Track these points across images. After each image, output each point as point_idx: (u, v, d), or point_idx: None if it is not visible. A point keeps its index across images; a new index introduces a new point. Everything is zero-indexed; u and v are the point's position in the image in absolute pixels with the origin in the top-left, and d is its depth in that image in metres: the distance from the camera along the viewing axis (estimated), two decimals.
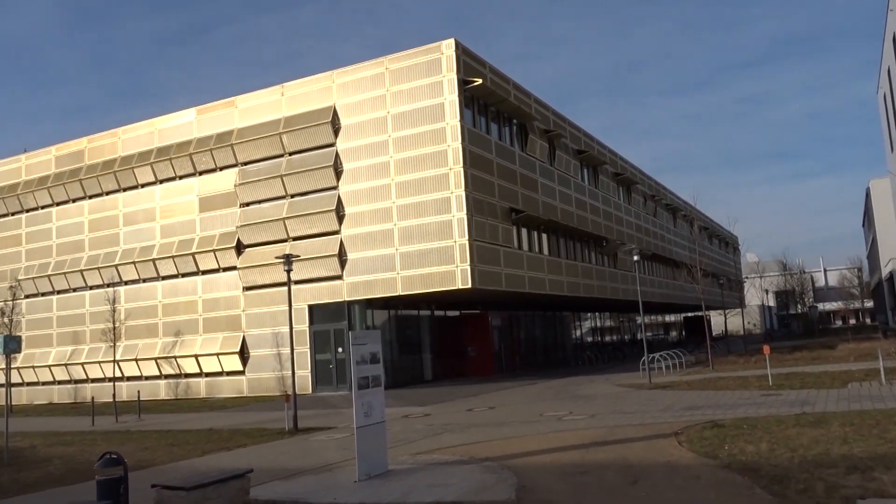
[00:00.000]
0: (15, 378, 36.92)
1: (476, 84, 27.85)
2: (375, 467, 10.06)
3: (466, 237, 26.44)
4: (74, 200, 36.50)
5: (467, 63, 28.38)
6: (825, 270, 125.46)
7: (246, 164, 31.42)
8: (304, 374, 29.26)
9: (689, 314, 73.50)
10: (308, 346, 29.36)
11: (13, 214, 38.72)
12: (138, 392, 25.49)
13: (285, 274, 30.63)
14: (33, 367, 36.44)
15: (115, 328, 28.89)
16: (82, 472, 13.06)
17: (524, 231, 32.16)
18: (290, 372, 18.64)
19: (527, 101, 33.29)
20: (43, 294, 37.13)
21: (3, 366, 15.16)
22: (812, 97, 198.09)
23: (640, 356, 44.69)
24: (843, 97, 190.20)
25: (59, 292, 36.55)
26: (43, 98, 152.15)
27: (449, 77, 27.38)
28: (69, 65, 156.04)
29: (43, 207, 37.62)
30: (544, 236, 34.27)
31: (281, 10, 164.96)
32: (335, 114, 29.48)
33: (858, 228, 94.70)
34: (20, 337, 15.07)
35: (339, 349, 28.72)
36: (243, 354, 30.87)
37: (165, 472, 12.41)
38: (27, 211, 38.17)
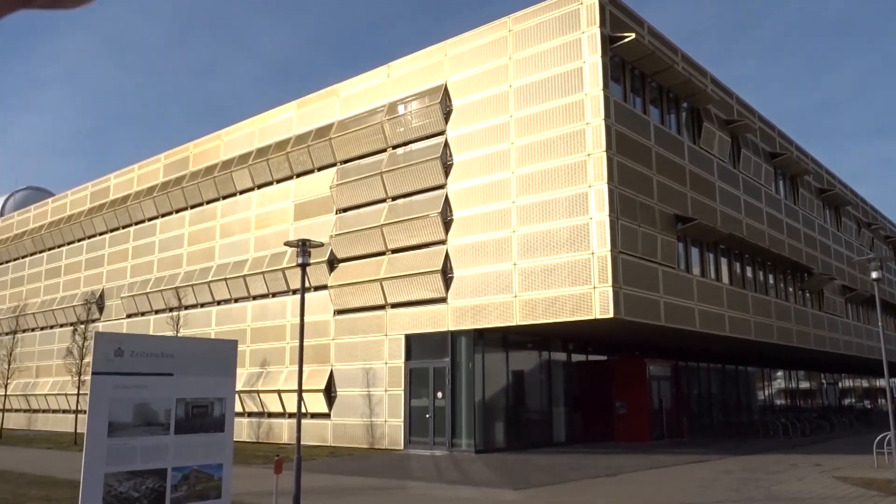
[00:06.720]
0: None
1: (627, 40, 20.56)
2: None
3: (608, 247, 18.95)
4: (178, 211, 33.03)
5: (615, 16, 21.21)
6: None
7: (345, 162, 26.05)
8: (396, 423, 22.81)
9: None
10: (403, 387, 22.90)
11: (124, 227, 36.11)
12: None
13: (381, 295, 25.09)
14: None
15: None
16: None
17: (694, 249, 24.00)
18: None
19: (700, 77, 25.34)
20: (143, 314, 33.78)
21: None
22: None
23: (852, 429, 34.11)
24: None
25: (156, 312, 32.96)
26: None
27: (590, 32, 20.34)
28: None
29: (150, 219, 34.58)
30: (723, 259, 25.73)
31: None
32: (446, 93, 23.35)
33: None
34: None
35: (439, 393, 22.02)
36: (329, 393, 24.98)
37: None
38: (136, 224, 35.34)
